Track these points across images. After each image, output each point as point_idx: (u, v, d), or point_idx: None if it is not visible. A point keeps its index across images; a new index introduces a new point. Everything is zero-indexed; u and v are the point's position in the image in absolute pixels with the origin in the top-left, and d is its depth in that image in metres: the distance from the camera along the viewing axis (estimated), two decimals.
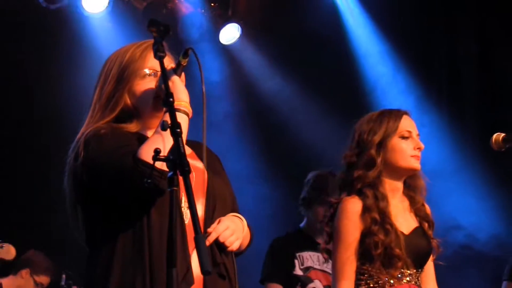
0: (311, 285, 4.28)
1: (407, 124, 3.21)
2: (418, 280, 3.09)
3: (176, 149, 2.16)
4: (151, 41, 2.53)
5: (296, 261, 4.29)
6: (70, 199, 2.54)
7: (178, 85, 2.46)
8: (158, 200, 2.39)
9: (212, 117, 6.58)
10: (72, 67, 5.77)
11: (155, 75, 2.56)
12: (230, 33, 6.75)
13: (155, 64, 2.52)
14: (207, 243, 2.41)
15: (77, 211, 2.53)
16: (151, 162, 2.24)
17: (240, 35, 6.75)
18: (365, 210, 3.06)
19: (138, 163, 2.32)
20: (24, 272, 5.47)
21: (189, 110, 2.44)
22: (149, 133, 2.50)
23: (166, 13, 6.30)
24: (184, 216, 2.45)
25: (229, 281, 2.46)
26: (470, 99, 6.35)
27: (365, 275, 3.04)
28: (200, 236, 2.06)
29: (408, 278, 3.05)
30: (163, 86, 2.36)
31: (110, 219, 2.45)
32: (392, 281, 3.03)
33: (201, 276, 2.39)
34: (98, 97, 2.58)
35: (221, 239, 2.45)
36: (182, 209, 2.45)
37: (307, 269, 4.27)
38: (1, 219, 5.41)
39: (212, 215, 2.51)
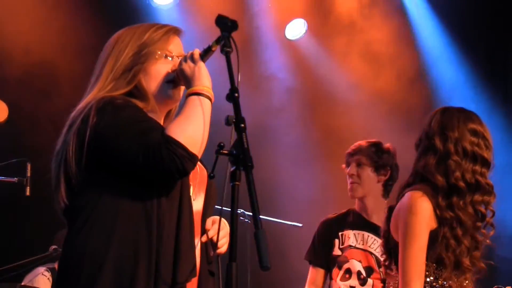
0: (345, 265, 4.18)
1: None
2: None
3: (240, 143, 2.16)
4: (171, 26, 2.60)
5: (336, 241, 4.21)
6: (60, 165, 2.42)
7: (202, 70, 2.45)
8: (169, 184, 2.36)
9: (275, 102, 6.91)
10: None
11: (172, 59, 2.55)
12: (296, 29, 6.83)
13: (174, 48, 2.57)
14: (203, 239, 2.47)
15: (67, 179, 2.40)
16: (182, 142, 2.26)
17: (306, 31, 6.82)
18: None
19: (168, 141, 2.28)
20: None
21: (211, 95, 2.42)
22: (152, 115, 2.46)
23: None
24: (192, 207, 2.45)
25: (217, 279, 2.48)
26: None
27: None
28: (261, 231, 2.06)
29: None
30: (192, 68, 2.42)
31: (114, 193, 2.35)
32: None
33: (197, 270, 2.42)
34: (110, 68, 2.52)
35: (215, 240, 2.50)
36: (192, 200, 2.45)
37: (345, 249, 4.20)
38: None
39: (207, 211, 2.54)
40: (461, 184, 2.95)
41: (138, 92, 2.50)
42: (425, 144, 3.06)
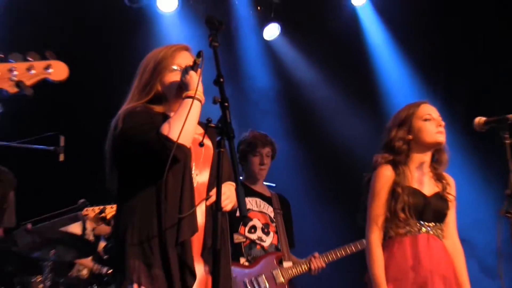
0: (251, 223, 4.91)
1: (426, 109, 3.73)
2: (437, 231, 3.62)
3: (224, 118, 2.57)
4: (181, 44, 3.06)
5: None
6: (108, 159, 2.93)
7: (194, 78, 2.84)
8: (174, 166, 2.76)
9: (253, 96, 7.45)
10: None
11: (181, 70, 2.96)
12: (271, 31, 7.49)
13: (181, 61, 2.99)
14: (208, 203, 2.89)
15: (112, 169, 2.93)
16: (170, 136, 2.67)
17: (280, 33, 7.49)
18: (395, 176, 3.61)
19: (161, 137, 2.71)
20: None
21: (202, 98, 2.82)
22: (172, 114, 2.92)
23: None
24: (193, 180, 2.87)
25: (221, 233, 2.68)
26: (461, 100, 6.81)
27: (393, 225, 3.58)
28: (241, 187, 2.49)
29: (426, 229, 3.58)
30: (187, 78, 2.83)
31: (135, 177, 2.84)
32: (412, 231, 3.58)
33: (203, 226, 2.86)
34: (137, 83, 2.99)
35: (223, 206, 2.83)
36: (192, 174, 2.87)
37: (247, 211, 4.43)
38: None
39: (213, 181, 2.89)
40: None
41: (157, 99, 2.98)
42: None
